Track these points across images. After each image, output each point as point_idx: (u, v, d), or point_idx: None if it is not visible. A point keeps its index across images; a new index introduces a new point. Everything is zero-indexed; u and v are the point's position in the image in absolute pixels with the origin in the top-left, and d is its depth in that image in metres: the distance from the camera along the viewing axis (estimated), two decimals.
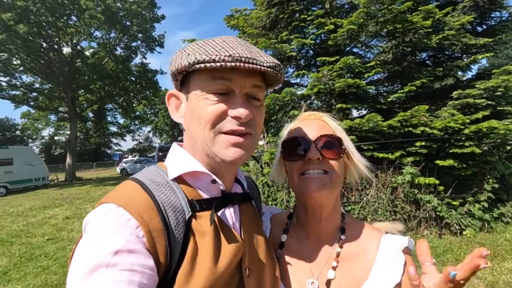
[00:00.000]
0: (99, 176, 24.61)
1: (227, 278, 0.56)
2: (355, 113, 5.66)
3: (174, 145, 0.68)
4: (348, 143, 0.75)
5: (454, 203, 4.54)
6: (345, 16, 5.98)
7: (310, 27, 5.00)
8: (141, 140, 51.81)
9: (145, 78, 22.91)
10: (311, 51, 5.92)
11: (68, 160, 19.99)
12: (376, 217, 4.42)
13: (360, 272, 0.69)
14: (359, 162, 0.76)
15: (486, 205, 4.51)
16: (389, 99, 4.78)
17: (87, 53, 21.22)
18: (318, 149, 0.69)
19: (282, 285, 0.71)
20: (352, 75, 4.59)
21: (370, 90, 5.07)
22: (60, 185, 16.97)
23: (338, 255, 0.72)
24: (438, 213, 4.41)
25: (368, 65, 4.66)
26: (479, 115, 4.16)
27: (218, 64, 0.52)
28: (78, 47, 20.11)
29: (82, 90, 21.24)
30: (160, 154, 27.24)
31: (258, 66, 0.54)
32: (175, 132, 59.74)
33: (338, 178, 0.71)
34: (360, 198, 4.62)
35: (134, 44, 22.08)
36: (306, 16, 4.93)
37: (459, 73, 6.26)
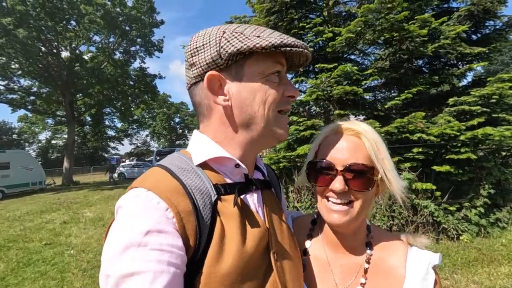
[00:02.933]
0: (96, 180, 24.45)
1: (256, 260, 0.57)
2: (353, 119, 5.72)
3: (196, 132, 0.69)
4: (386, 165, 0.66)
5: (451, 208, 4.59)
6: (343, 23, 6.09)
7: (308, 35, 5.08)
8: (138, 144, 51.71)
9: (144, 82, 22.99)
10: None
11: (66, 164, 19.90)
12: (374, 222, 4.46)
13: None
14: (397, 187, 0.67)
15: (482, 210, 4.56)
16: (386, 106, 4.85)
17: (85, 57, 21.28)
18: (345, 180, 0.63)
19: (305, 285, 0.69)
20: (349, 82, 4.66)
21: (368, 97, 5.13)
22: (57, 189, 16.86)
23: (366, 271, 0.69)
24: (435, 218, 4.46)
25: (366, 72, 4.74)
26: (475, 121, 4.23)
27: (299, 49, 0.58)
28: (77, 51, 20.17)
29: (80, 94, 21.22)
30: (158, 158, 27.19)
31: (307, 51, 0.61)
32: (172, 136, 59.70)
33: (366, 206, 0.67)
34: None
35: (133, 48, 22.21)
36: (305, 24, 5.02)
37: (455, 80, 6.37)
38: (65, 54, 19.83)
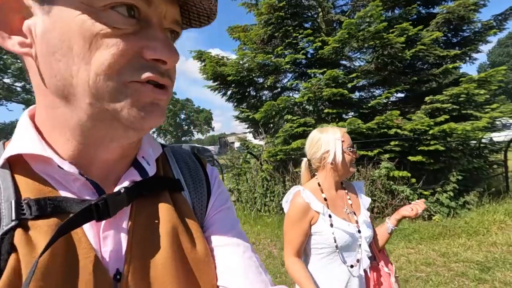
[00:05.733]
0: None
1: None
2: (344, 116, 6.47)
3: (24, 113, 0.42)
4: None
5: (425, 193, 5.32)
6: (335, 29, 6.80)
7: (301, 43, 5.81)
8: None
9: None
10: (303, 61, 6.74)
11: None
12: None
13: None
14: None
15: (452, 194, 5.29)
16: (369, 105, 5.58)
17: None
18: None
19: (333, 213, 1.26)
20: (337, 85, 5.39)
21: (354, 97, 5.86)
22: None
23: (347, 195, 1.38)
24: (410, 201, 5.19)
25: (351, 76, 5.47)
26: (442, 118, 4.94)
27: None
28: None
29: None
30: None
31: None
32: (178, 132, 60.82)
33: None
34: None
35: None
36: (298, 34, 5.74)
37: (437, 79, 7.03)
38: None
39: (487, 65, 51.35)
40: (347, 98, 5.65)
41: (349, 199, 1.36)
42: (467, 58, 6.92)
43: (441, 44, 6.53)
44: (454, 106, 5.30)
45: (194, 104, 63.22)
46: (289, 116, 5.60)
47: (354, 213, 1.32)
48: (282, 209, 6.43)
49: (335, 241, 1.19)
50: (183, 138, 61.82)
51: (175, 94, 51.04)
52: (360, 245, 1.24)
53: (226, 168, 8.59)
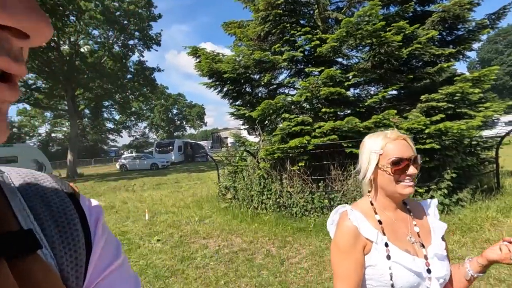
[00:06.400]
0: (99, 172, 25.21)
1: None
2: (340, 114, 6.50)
3: None
4: None
5: (420, 190, 5.41)
6: (331, 27, 6.77)
7: (299, 41, 5.78)
8: (137, 136, 52.41)
9: (143, 75, 23.48)
10: (301, 58, 6.71)
11: (70, 156, 20.59)
12: (357, 198, 5.29)
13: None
14: None
15: (446, 191, 5.39)
16: (366, 103, 5.61)
17: (84, 48, 21.60)
18: (414, 166, 0.94)
19: (389, 240, 0.95)
20: (334, 84, 5.39)
21: (350, 96, 5.88)
22: None
23: (413, 219, 1.03)
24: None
25: (348, 74, 5.48)
26: (438, 117, 5.00)
27: None
28: (76, 46, 20.55)
29: (82, 89, 21.72)
30: (158, 149, 27.91)
31: None
32: (171, 127, 60.27)
33: None
34: (342, 187, 5.48)
35: (131, 42, 22.61)
36: (295, 31, 5.70)
37: (432, 77, 7.11)
38: (64, 48, 20.23)
39: (477, 62, 52.28)
40: (344, 96, 5.66)
41: (415, 225, 1.03)
42: (461, 57, 7.03)
43: (436, 43, 6.59)
44: (449, 105, 5.38)
45: (187, 99, 62.77)
46: (286, 115, 5.59)
47: (422, 245, 0.99)
48: (279, 206, 6.51)
49: (391, 279, 0.91)
50: (175, 133, 61.29)
51: (167, 88, 50.36)
52: None
53: (222, 165, 8.55)
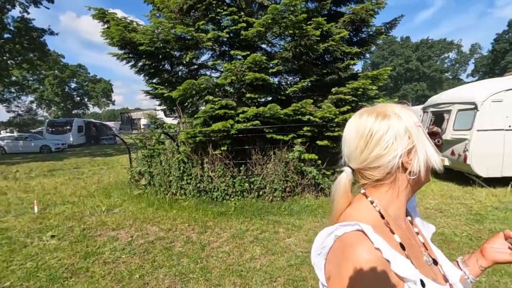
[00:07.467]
0: None
1: None
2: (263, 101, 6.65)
3: None
4: None
5: (328, 173, 6.09)
6: (256, 12, 6.76)
7: (225, 21, 5.56)
8: (20, 112, 42.44)
9: (28, 37, 18.95)
10: (225, 40, 6.50)
11: None
12: (272, 185, 5.58)
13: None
14: None
15: None
16: (287, 92, 5.88)
17: None
18: None
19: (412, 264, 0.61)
20: (259, 70, 5.44)
21: (273, 83, 6.06)
22: None
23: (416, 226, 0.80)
24: (316, 181, 5.87)
25: (272, 62, 5.60)
26: (345, 108, 5.66)
27: None
28: None
29: None
30: (51, 129, 23.53)
31: None
32: (68, 104, 51.35)
33: None
34: (262, 171, 5.69)
35: None
36: (221, 10, 5.45)
37: (340, 72, 7.99)
38: None
39: (369, 64, 61.68)
40: (268, 83, 5.79)
41: (417, 233, 0.78)
42: (362, 57, 8.09)
43: (345, 42, 7.38)
44: (353, 98, 6.13)
45: (89, 72, 54.00)
46: (210, 97, 5.37)
47: (435, 261, 0.73)
48: (200, 191, 6.35)
49: None
50: (74, 111, 52.53)
51: (62, 57, 42.03)
52: None
53: (134, 148, 7.75)
